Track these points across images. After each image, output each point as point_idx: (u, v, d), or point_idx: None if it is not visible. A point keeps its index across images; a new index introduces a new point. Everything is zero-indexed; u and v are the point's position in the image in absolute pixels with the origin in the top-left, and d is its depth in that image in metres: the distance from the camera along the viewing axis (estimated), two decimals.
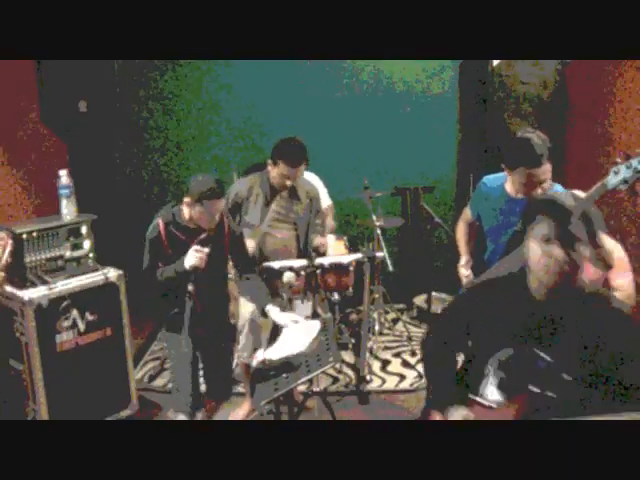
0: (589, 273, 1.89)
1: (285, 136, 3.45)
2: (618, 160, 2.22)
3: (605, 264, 2.48)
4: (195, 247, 2.80)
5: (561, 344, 1.76)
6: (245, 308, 3.55)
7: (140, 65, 5.03)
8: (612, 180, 2.23)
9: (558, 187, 2.62)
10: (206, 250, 2.80)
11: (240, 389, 4.00)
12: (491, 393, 1.89)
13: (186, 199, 2.84)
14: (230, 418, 3.68)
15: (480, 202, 2.87)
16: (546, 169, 2.51)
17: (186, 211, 2.89)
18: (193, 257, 2.78)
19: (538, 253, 1.75)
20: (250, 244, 3.38)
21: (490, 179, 2.82)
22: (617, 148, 3.97)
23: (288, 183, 3.38)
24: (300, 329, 2.56)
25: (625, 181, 2.20)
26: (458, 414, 1.92)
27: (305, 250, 3.57)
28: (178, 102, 5.23)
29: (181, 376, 2.97)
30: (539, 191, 2.53)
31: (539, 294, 1.80)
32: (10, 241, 2.88)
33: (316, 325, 2.45)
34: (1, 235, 2.79)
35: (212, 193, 2.78)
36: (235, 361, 4.08)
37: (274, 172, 3.38)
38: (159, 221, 2.91)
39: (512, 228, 2.61)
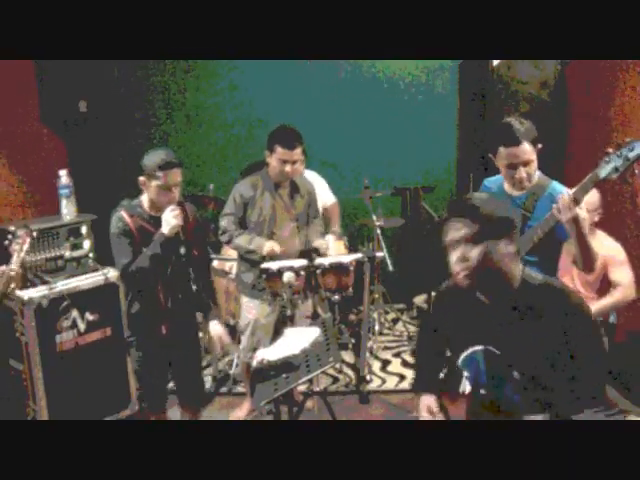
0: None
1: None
2: (609, 150, 2.23)
3: (586, 264, 2.51)
4: (169, 208, 2.70)
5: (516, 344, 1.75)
6: (248, 308, 3.55)
7: (141, 65, 5.03)
8: (604, 169, 2.24)
9: (555, 184, 2.61)
10: (177, 210, 2.70)
11: (240, 389, 4.01)
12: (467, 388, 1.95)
13: (141, 179, 2.73)
14: (230, 418, 3.69)
15: None
16: (526, 149, 2.49)
17: (145, 197, 2.78)
18: (170, 218, 2.68)
19: (452, 261, 1.75)
20: (274, 246, 3.33)
21: (490, 180, 2.83)
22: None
23: (287, 169, 3.34)
24: (300, 332, 2.56)
25: (616, 169, 2.21)
26: (424, 404, 2.05)
27: (306, 246, 3.56)
28: (180, 102, 5.23)
29: (145, 378, 2.92)
30: (523, 175, 2.52)
31: (484, 298, 1.81)
32: (28, 239, 2.83)
33: (315, 331, 2.45)
34: (20, 233, 2.76)
35: (166, 163, 2.67)
36: (236, 361, 4.09)
37: (273, 161, 3.36)
38: (123, 213, 2.76)
39: None
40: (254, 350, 3.52)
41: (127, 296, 2.87)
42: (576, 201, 2.29)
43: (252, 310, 3.52)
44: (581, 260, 2.48)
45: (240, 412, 3.73)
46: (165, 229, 2.69)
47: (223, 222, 3.47)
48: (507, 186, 2.68)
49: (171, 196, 2.73)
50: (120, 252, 2.75)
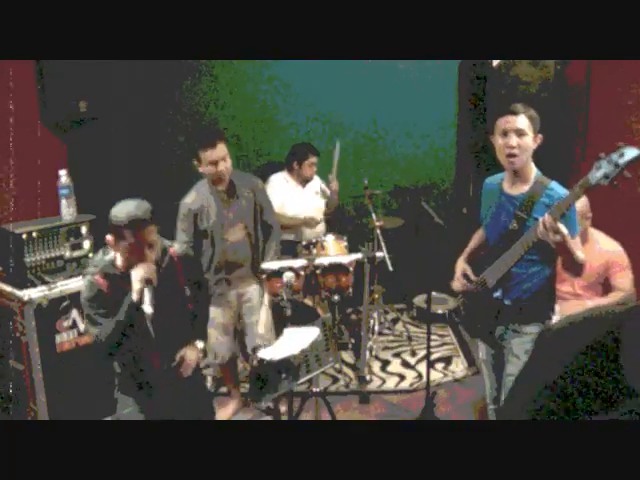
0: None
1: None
2: (601, 155, 2.21)
3: (573, 272, 2.53)
4: (136, 268, 2.35)
5: None
6: (213, 312, 3.50)
7: (141, 64, 5.02)
8: (594, 175, 2.21)
9: (554, 184, 2.57)
10: (148, 264, 2.35)
11: (222, 389, 4.01)
12: None
13: (108, 237, 2.37)
14: (217, 417, 3.66)
15: (483, 203, 2.86)
16: (523, 121, 2.50)
17: (116, 256, 2.43)
18: (138, 274, 2.32)
19: None
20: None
21: (490, 178, 2.82)
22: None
23: (220, 168, 3.22)
24: (299, 332, 2.56)
25: (606, 176, 2.19)
26: None
27: (257, 247, 3.51)
28: (180, 101, 5.23)
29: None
30: (514, 142, 2.49)
31: None
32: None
33: (315, 331, 2.46)
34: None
35: (135, 219, 2.30)
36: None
37: (204, 169, 3.27)
38: (97, 277, 2.40)
39: (507, 225, 2.60)
40: (227, 351, 3.59)
41: (115, 366, 2.60)
42: (556, 220, 2.32)
43: (217, 313, 3.50)
44: (566, 266, 2.54)
45: (225, 412, 3.72)
46: (133, 292, 2.32)
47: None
48: (506, 184, 2.66)
49: (143, 254, 2.36)
50: (92, 321, 2.43)
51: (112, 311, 2.38)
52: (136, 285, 2.32)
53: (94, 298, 2.40)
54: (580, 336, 1.28)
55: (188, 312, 2.66)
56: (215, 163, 3.22)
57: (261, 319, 3.55)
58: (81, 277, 2.49)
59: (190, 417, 2.52)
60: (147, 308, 2.30)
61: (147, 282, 2.32)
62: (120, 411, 2.61)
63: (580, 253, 2.50)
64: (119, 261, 2.43)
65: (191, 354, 2.62)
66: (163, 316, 2.41)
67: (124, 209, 2.34)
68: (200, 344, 2.71)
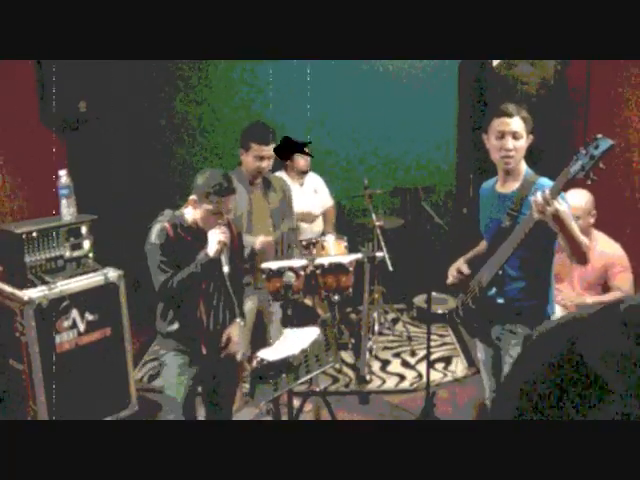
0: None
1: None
2: (580, 148, 2.19)
3: (577, 256, 2.47)
4: (214, 230, 2.59)
5: None
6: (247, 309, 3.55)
7: (141, 64, 5.03)
8: (573, 167, 2.20)
9: (543, 180, 2.55)
10: (224, 228, 2.60)
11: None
12: None
13: (192, 197, 2.63)
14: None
15: (481, 209, 2.86)
16: (518, 123, 2.50)
17: (190, 214, 2.68)
18: (216, 239, 2.57)
19: None
20: (263, 238, 3.33)
21: (485, 183, 2.83)
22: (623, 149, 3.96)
23: (264, 165, 3.37)
24: (299, 332, 2.56)
25: (583, 168, 2.17)
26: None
27: (283, 244, 3.57)
28: (180, 102, 5.23)
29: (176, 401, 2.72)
30: (510, 145, 2.49)
31: None
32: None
33: (315, 331, 2.46)
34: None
35: (223, 189, 2.57)
36: None
37: (248, 158, 3.38)
38: (166, 225, 2.62)
39: (500, 224, 2.59)
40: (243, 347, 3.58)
41: (165, 315, 2.74)
42: (552, 196, 2.24)
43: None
44: (571, 252, 2.44)
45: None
46: (210, 250, 2.59)
47: None
48: (498, 185, 2.67)
49: (220, 220, 2.63)
50: (156, 267, 2.61)
51: (176, 261, 2.60)
52: (215, 246, 2.57)
53: (162, 245, 2.59)
54: (549, 345, 1.26)
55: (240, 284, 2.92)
56: (261, 159, 3.34)
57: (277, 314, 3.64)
58: (151, 226, 2.68)
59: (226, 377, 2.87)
60: (225, 268, 2.62)
61: (224, 244, 2.59)
62: (173, 371, 2.73)
63: (583, 237, 2.43)
64: (190, 218, 2.66)
65: (235, 332, 2.83)
66: (236, 276, 2.76)
67: (212, 178, 2.58)
68: (241, 322, 2.90)
